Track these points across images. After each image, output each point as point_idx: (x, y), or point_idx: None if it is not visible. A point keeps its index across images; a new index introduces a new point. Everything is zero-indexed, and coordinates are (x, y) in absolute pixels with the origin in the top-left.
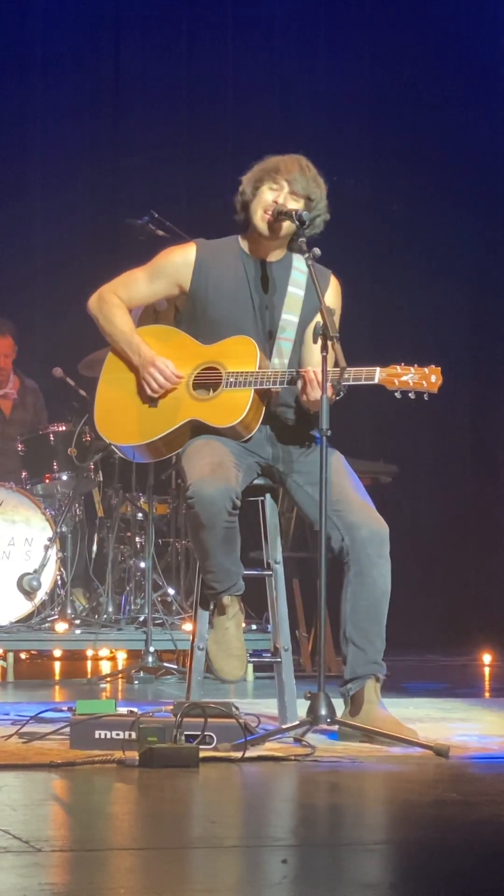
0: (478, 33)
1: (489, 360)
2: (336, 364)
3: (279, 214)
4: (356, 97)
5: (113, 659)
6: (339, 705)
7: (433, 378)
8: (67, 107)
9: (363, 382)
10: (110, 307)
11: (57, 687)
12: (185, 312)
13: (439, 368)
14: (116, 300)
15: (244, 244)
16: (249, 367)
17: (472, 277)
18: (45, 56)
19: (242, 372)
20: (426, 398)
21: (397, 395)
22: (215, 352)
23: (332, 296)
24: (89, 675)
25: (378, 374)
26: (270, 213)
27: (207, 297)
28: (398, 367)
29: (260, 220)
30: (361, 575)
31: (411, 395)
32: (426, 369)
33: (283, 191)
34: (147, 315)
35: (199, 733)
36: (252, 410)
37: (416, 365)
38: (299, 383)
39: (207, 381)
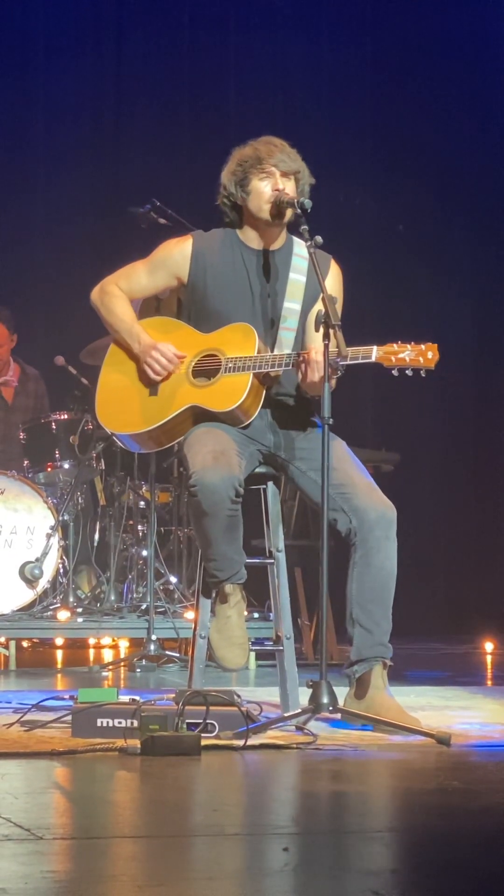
0: (482, 42)
1: (493, 347)
2: (339, 351)
3: (281, 203)
4: (356, 72)
5: (115, 647)
6: (342, 692)
7: (430, 354)
8: (69, 95)
9: (360, 361)
10: (111, 298)
11: (59, 675)
12: (186, 304)
13: (435, 345)
14: (118, 291)
15: (242, 235)
16: (248, 352)
17: (476, 264)
18: (47, 45)
19: (241, 357)
20: (423, 375)
21: (394, 372)
22: (214, 339)
23: (333, 281)
24: (91, 664)
25: (375, 353)
26: (273, 202)
27: (206, 288)
28: (395, 344)
29: (265, 212)
30: (368, 556)
31: (409, 373)
32: (423, 346)
33: (275, 176)
34: (149, 305)
35: (201, 721)
36: (251, 394)
37: (412, 342)
38: (303, 365)
39: (207, 368)
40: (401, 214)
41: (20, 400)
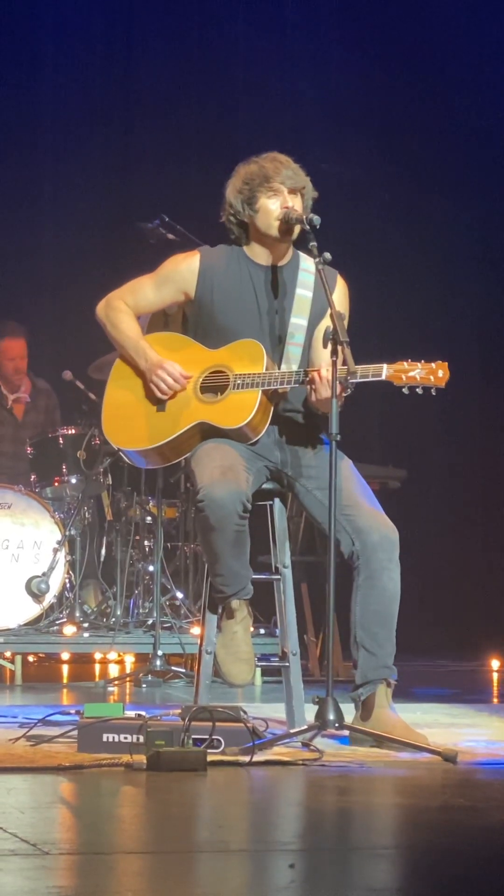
0: (481, 25)
1: (499, 363)
2: (345, 365)
3: (290, 220)
4: (367, 96)
5: (121, 662)
6: (348, 710)
7: (440, 373)
8: (78, 110)
9: (371, 379)
10: (117, 313)
11: (65, 690)
12: (193, 319)
13: (446, 363)
14: (123, 306)
15: (249, 251)
16: (256, 368)
17: (482, 277)
18: (56, 60)
19: (249, 374)
20: (433, 393)
21: (405, 390)
22: (222, 355)
23: (340, 296)
24: (97, 679)
25: (385, 371)
26: (282, 219)
27: (213, 304)
28: (405, 362)
29: (274, 230)
30: (371, 579)
31: (419, 391)
32: (433, 364)
33: (283, 193)
34: (157, 319)
35: (207, 737)
36: (260, 412)
37: (422, 360)
38: (311, 385)
39: (215, 384)
40: (409, 219)
41: (31, 416)
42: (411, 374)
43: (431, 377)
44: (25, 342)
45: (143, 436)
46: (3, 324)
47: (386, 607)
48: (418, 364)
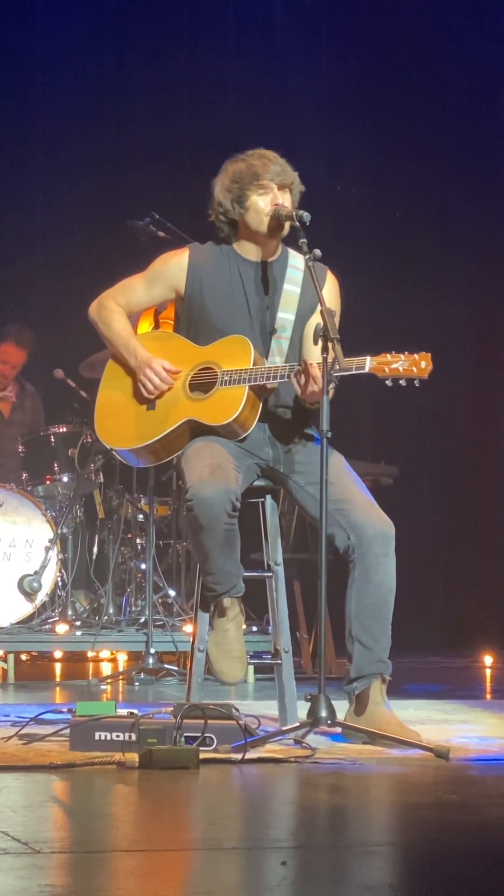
0: (480, 32)
1: (492, 360)
2: (335, 363)
3: (280, 217)
4: (358, 95)
5: (113, 660)
6: (341, 706)
7: (423, 364)
8: (69, 109)
9: (354, 372)
10: (109, 312)
11: (57, 688)
12: (183, 316)
13: (429, 354)
14: (115, 306)
15: (238, 248)
16: (244, 364)
17: (474, 274)
18: (46, 59)
19: (237, 370)
20: (417, 384)
21: (388, 382)
22: (210, 352)
23: (330, 292)
24: (90, 677)
25: (369, 363)
26: (272, 216)
27: (203, 301)
28: (388, 354)
29: (264, 226)
30: (367, 573)
31: (402, 383)
32: (416, 355)
33: (273, 190)
34: (148, 318)
35: (199, 735)
36: (247, 407)
37: (406, 352)
38: (301, 377)
39: (203, 381)
40: (401, 215)
41: (17, 415)
42: (394, 365)
43: (414, 368)
44: (27, 355)
45: (133, 435)
46: (14, 327)
47: (381, 601)
48: (401, 356)
